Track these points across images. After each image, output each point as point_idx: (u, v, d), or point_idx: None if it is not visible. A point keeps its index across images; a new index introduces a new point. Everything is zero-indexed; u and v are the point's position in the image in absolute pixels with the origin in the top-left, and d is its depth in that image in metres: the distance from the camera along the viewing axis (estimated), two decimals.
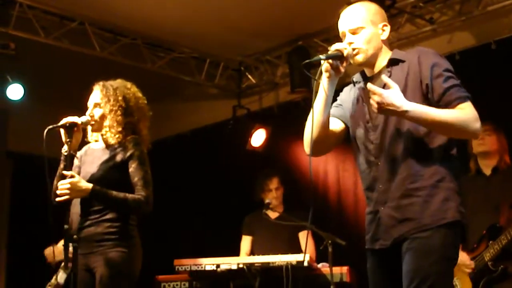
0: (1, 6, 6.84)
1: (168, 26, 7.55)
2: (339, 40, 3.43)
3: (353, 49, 3.35)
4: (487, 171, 5.27)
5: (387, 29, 3.45)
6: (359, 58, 3.38)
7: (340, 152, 7.22)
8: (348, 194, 7.41)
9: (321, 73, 3.30)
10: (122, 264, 4.12)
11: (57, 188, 4.10)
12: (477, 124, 3.18)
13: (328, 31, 7.33)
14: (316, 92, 3.37)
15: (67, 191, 4.02)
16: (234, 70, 8.61)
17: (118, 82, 4.44)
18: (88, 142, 4.47)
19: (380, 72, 3.40)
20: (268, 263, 5.53)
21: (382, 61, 3.44)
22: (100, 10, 7.17)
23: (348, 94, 3.58)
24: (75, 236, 3.99)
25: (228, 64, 8.52)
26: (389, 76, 3.30)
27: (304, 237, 6.38)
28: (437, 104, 3.21)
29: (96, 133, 4.42)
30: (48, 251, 5.52)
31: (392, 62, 3.40)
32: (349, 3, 3.46)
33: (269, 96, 8.57)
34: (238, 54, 8.29)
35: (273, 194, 6.63)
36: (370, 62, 3.43)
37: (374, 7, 3.48)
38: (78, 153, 4.39)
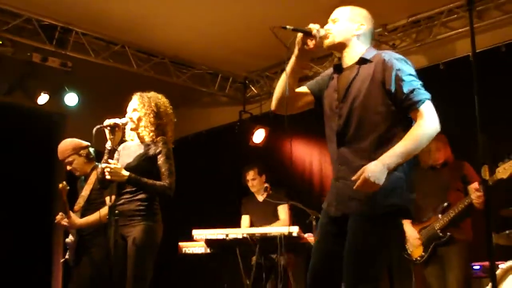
0: (61, 33, 6.89)
1: (190, 49, 7.57)
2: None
3: (326, 31, 3.11)
4: (438, 165, 5.29)
5: (363, 28, 3.14)
6: (327, 41, 3.13)
7: (323, 148, 7.22)
8: (328, 180, 7.40)
9: (292, 43, 3.12)
10: (148, 235, 4.13)
11: (101, 173, 4.13)
12: (435, 126, 2.89)
13: (315, 52, 7.33)
14: (289, 58, 3.18)
15: (110, 173, 4.05)
16: (240, 83, 8.62)
17: (152, 93, 4.46)
18: (125, 141, 4.49)
19: (351, 66, 3.12)
20: (266, 233, 5.51)
21: (354, 55, 3.13)
22: (137, 36, 7.21)
23: (328, 77, 3.27)
24: (117, 211, 4.05)
25: (236, 78, 8.52)
26: (357, 74, 3.04)
27: (281, 209, 6.38)
28: (400, 105, 2.94)
29: (133, 133, 4.43)
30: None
31: (362, 61, 3.09)
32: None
33: (268, 103, 8.54)
34: (243, 70, 8.30)
35: (249, 184, 6.64)
36: (337, 48, 3.17)
37: (360, 10, 3.21)
38: (118, 148, 4.41)
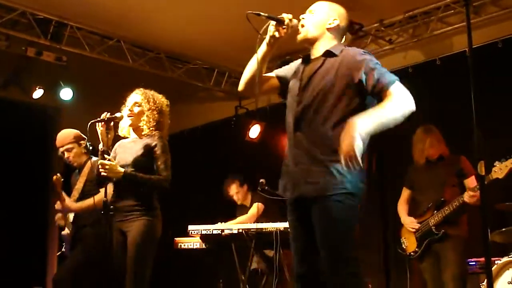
0: (56, 27, 6.87)
1: (185, 44, 7.55)
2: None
3: (300, 23, 3.23)
4: (433, 160, 5.28)
5: (336, 22, 3.25)
6: (299, 36, 3.25)
7: None
8: None
9: (265, 31, 3.20)
10: (147, 229, 4.15)
11: (97, 171, 4.12)
12: (410, 102, 2.94)
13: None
14: (260, 44, 3.28)
15: (106, 170, 4.05)
16: (236, 78, 8.55)
17: (153, 92, 4.52)
18: (119, 137, 4.50)
19: (318, 58, 3.23)
20: (262, 229, 5.52)
21: (323, 49, 3.24)
22: (132, 31, 7.18)
23: (296, 66, 3.40)
24: (111, 207, 4.06)
25: (232, 73, 8.49)
26: (322, 64, 3.16)
27: (254, 206, 6.38)
28: (372, 91, 3.01)
29: (127, 128, 4.44)
30: (57, 216, 5.25)
31: (328, 54, 3.19)
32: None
33: (263, 98, 8.51)
34: (239, 65, 8.23)
35: (235, 198, 6.69)
36: (309, 42, 3.29)
37: (337, 7, 3.32)
38: (114, 146, 4.42)
